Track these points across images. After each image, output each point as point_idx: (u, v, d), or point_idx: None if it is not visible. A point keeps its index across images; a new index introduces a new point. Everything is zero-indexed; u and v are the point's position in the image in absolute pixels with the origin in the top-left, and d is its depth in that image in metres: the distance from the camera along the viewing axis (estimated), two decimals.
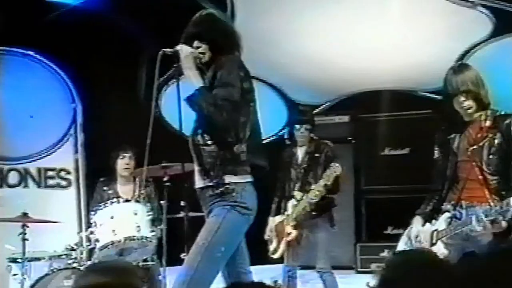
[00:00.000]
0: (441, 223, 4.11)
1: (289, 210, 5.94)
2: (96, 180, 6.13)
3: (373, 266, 7.00)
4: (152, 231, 5.06)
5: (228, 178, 3.57)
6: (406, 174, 7.14)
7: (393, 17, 7.26)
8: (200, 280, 3.50)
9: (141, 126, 7.80)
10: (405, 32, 7.35)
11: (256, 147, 3.67)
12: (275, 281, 6.19)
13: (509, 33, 7.00)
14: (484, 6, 6.82)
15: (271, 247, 6.06)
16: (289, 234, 5.88)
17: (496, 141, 3.99)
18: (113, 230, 4.94)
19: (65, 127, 7.22)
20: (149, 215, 5.11)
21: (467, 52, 7.33)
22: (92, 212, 5.14)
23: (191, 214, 5.30)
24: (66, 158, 7.17)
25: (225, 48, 3.74)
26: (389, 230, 7.17)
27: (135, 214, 5.02)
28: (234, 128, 3.60)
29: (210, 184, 3.60)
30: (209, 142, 3.63)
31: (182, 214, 5.29)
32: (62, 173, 7.13)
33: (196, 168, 3.70)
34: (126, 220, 4.99)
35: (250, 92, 3.70)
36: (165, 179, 5.25)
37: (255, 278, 6.93)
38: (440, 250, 4.03)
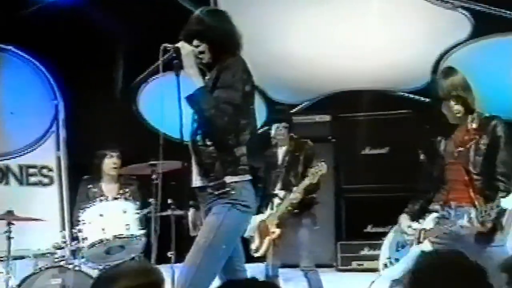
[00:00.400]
0: (428, 222, 4.27)
1: (273, 208, 6.01)
2: (80, 178, 6.14)
3: (354, 264, 7.11)
4: (141, 229, 5.09)
5: (228, 179, 3.62)
6: (385, 173, 7.27)
7: (374, 18, 7.38)
8: (202, 277, 3.56)
9: (122, 123, 7.90)
10: (385, 32, 7.48)
11: (254, 148, 3.72)
12: None
13: (487, 35, 7.13)
14: (464, 8, 6.96)
15: (253, 246, 6.11)
16: (272, 232, 5.95)
17: (482, 142, 4.14)
18: (103, 229, 4.98)
19: (46, 124, 7.21)
20: (137, 213, 5.14)
21: (445, 53, 7.47)
22: (81, 210, 5.17)
23: (177, 212, 5.41)
24: (48, 155, 7.16)
25: (225, 48, 3.74)
26: (369, 229, 7.31)
27: (124, 212, 5.08)
28: (234, 131, 3.64)
29: (210, 184, 3.64)
30: (208, 143, 3.66)
31: (169, 212, 5.36)
32: (44, 171, 7.14)
33: (195, 167, 3.74)
34: (115, 218, 5.06)
35: (251, 95, 3.74)
36: (153, 177, 5.26)
37: None
38: (427, 248, 4.17)
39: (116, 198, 5.18)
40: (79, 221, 5.14)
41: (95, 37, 7.32)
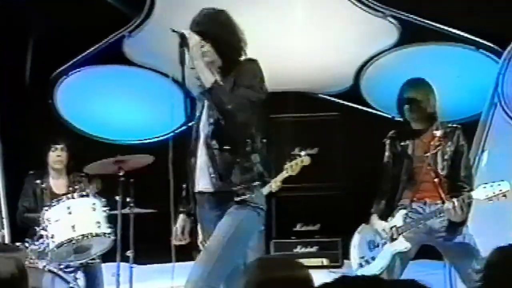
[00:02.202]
0: (398, 219, 4.79)
1: None
2: (16, 173, 6.06)
3: None
4: (110, 227, 5.15)
5: (246, 185, 3.81)
6: (315, 173, 7.62)
7: (304, 20, 7.73)
8: (218, 273, 3.74)
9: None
10: (315, 35, 7.85)
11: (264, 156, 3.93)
12: None
13: (413, 43, 7.68)
14: (393, 17, 7.47)
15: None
16: None
17: (448, 149, 4.74)
18: (72, 226, 4.99)
19: None
20: (104, 210, 5.19)
21: (371, 59, 7.96)
22: (46, 208, 5.16)
23: (137, 210, 5.53)
24: None
25: (231, 47, 3.88)
26: (298, 227, 7.63)
27: (94, 209, 5.10)
28: (251, 136, 3.86)
29: (227, 190, 3.79)
30: (226, 148, 3.79)
31: (127, 211, 5.47)
32: None
33: (208, 171, 3.84)
34: (85, 215, 5.08)
35: (262, 104, 3.93)
36: (120, 173, 5.34)
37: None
38: (403, 244, 4.67)
39: (84, 195, 5.16)
40: (42, 219, 5.10)
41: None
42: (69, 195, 5.21)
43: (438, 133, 4.80)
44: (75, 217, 5.06)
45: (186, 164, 4.02)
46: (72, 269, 5.28)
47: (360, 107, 8.31)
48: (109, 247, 5.24)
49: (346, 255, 7.53)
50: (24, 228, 5.77)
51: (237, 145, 3.82)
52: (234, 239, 3.78)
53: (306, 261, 7.22)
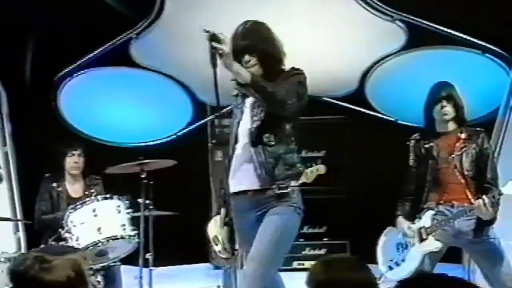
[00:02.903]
0: (426, 220, 4.86)
1: None
2: (32, 175, 6.03)
3: (295, 264, 7.48)
4: (134, 229, 5.16)
5: (290, 181, 3.88)
6: (322, 176, 7.67)
7: (309, 23, 7.78)
8: (267, 275, 3.79)
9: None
10: (321, 38, 7.90)
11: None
12: None
13: (419, 47, 7.76)
14: (401, 20, 7.55)
15: (220, 247, 6.27)
16: None
17: (473, 151, 4.84)
18: (98, 229, 4.98)
19: None
20: (128, 212, 5.20)
21: (377, 63, 8.03)
22: (70, 210, 5.15)
23: (155, 213, 5.54)
24: None
25: (275, 59, 3.98)
26: (305, 229, 7.68)
27: (119, 212, 5.11)
28: (292, 131, 3.91)
29: (272, 186, 3.83)
30: (272, 142, 3.85)
31: (146, 213, 5.48)
32: None
33: (252, 168, 3.88)
34: (110, 217, 5.08)
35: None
36: (143, 176, 5.35)
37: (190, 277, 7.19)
38: (434, 244, 4.72)
39: (108, 198, 5.17)
40: (66, 221, 5.10)
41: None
42: (93, 197, 5.19)
43: (463, 135, 4.89)
44: (100, 219, 5.10)
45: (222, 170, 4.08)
46: (92, 272, 5.28)
47: (364, 110, 8.38)
48: (133, 249, 5.25)
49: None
50: (42, 231, 5.77)
51: (282, 139, 3.89)
52: (281, 242, 3.84)
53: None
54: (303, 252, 7.53)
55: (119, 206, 5.18)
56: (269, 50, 3.96)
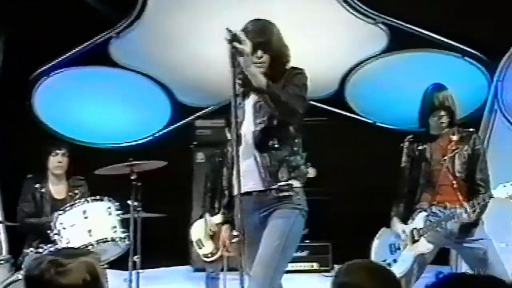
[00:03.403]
0: (418, 222, 4.93)
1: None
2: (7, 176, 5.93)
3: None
4: (124, 231, 5.10)
5: (294, 183, 3.88)
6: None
7: (291, 25, 7.76)
8: (276, 280, 3.77)
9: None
10: (303, 40, 7.91)
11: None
12: None
13: (400, 50, 7.84)
14: (384, 23, 7.62)
15: (205, 250, 6.23)
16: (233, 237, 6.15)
17: (465, 152, 4.89)
18: (89, 231, 4.92)
19: None
20: (118, 214, 5.14)
21: (357, 65, 8.09)
22: (60, 212, 5.07)
23: (143, 215, 5.49)
24: None
25: (284, 58, 3.99)
26: None
27: (109, 213, 5.06)
28: (296, 133, 3.93)
29: (274, 186, 3.84)
30: (276, 146, 3.86)
31: (136, 215, 5.43)
32: None
33: (256, 170, 3.88)
34: (101, 219, 5.02)
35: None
36: (133, 177, 5.30)
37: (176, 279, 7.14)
38: (425, 245, 4.80)
39: (97, 199, 5.10)
40: (54, 224, 5.03)
41: None
42: (83, 199, 5.13)
43: (455, 137, 4.95)
44: (91, 221, 5.03)
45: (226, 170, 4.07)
46: None
47: (343, 112, 8.43)
48: (123, 252, 5.20)
49: (336, 259, 7.68)
50: (25, 233, 5.68)
51: (286, 142, 3.90)
52: (288, 246, 3.83)
53: (296, 265, 7.33)
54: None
55: (109, 208, 5.11)
56: (282, 50, 3.98)
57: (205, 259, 6.26)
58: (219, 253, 6.12)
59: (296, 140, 3.97)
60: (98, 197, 5.20)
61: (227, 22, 7.73)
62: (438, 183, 4.90)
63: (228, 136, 6.53)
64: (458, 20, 7.41)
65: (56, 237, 5.04)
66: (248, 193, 3.92)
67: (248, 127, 3.98)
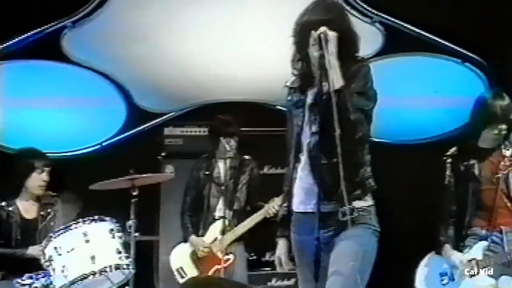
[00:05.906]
0: (477, 252, 4.79)
1: (224, 233, 5.99)
2: None
3: None
4: (128, 256, 4.78)
5: (357, 204, 3.64)
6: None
7: (271, 22, 7.63)
8: None
9: None
10: (284, 39, 7.75)
11: None
12: None
13: (395, 53, 7.80)
14: (381, 23, 7.57)
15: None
16: (226, 260, 5.97)
17: None
18: (92, 257, 4.56)
19: None
20: (120, 236, 4.81)
21: None
22: (53, 235, 4.72)
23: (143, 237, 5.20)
24: None
25: (351, 45, 3.73)
26: (267, 257, 7.43)
27: (113, 236, 4.73)
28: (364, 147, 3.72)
29: (335, 210, 3.61)
30: (334, 160, 3.52)
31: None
32: None
33: (316, 189, 3.59)
34: (104, 243, 4.69)
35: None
36: (134, 193, 4.99)
37: None
38: (487, 280, 4.67)
39: (99, 219, 4.75)
40: (43, 250, 4.70)
41: None
42: (79, 220, 4.79)
43: (508, 152, 4.83)
44: (94, 245, 4.68)
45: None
46: None
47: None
48: (126, 280, 4.85)
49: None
50: None
51: (346, 156, 3.54)
52: (363, 268, 3.61)
53: None
54: (269, 284, 7.29)
55: (112, 230, 4.76)
56: (348, 31, 3.70)
57: None
58: None
59: (358, 154, 3.69)
60: (96, 217, 4.84)
61: (203, 18, 7.57)
62: (491, 205, 4.81)
63: (212, 144, 6.35)
64: (460, 23, 7.48)
65: (45, 265, 4.66)
66: (309, 213, 3.68)
67: (304, 137, 3.74)
